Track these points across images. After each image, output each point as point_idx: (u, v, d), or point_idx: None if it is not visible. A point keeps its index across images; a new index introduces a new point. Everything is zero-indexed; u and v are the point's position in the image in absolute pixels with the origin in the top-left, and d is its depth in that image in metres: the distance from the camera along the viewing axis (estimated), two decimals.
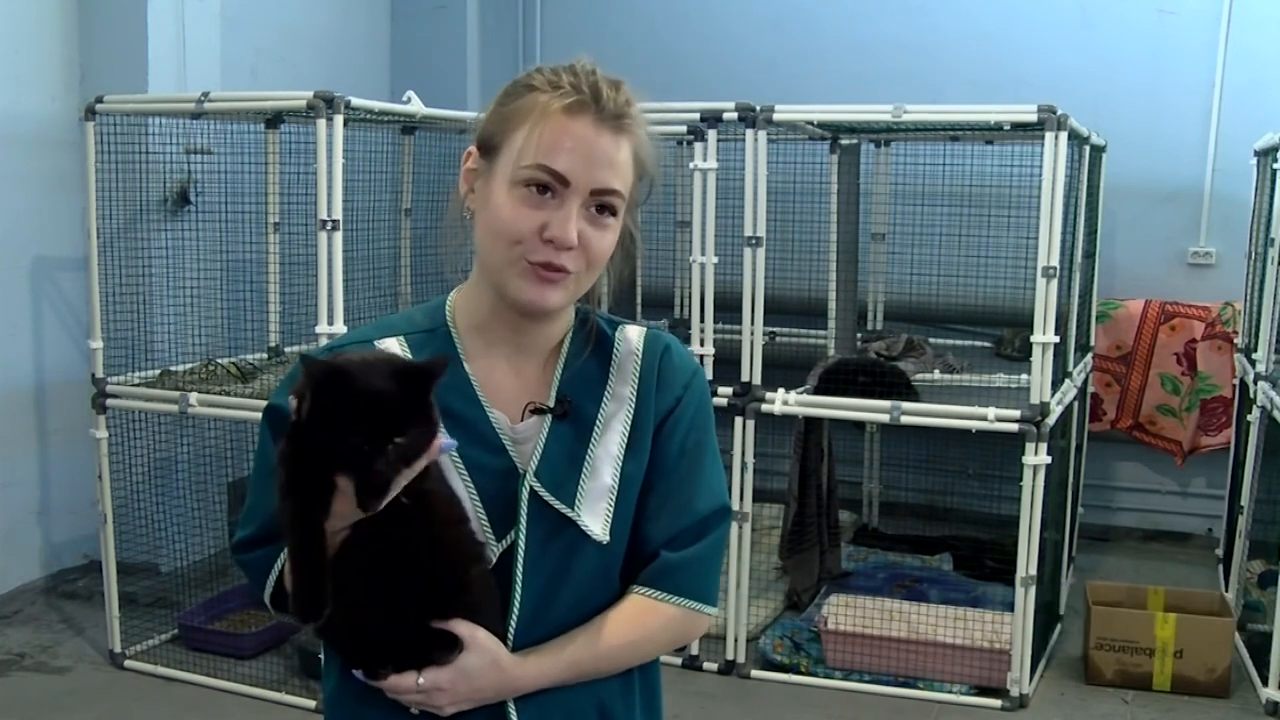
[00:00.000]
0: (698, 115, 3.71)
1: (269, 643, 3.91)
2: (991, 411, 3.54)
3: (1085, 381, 4.70)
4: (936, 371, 4.33)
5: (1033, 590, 3.59)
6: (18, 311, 4.31)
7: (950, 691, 3.73)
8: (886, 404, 3.70)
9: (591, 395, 1.40)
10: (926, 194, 4.92)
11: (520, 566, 1.34)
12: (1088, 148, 4.11)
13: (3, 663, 3.87)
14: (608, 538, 1.36)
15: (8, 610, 4.25)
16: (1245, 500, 4.26)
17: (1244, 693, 3.78)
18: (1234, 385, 4.89)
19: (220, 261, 4.32)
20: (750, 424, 3.77)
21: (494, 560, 1.33)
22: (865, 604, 3.90)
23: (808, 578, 4.33)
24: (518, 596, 1.34)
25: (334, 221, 3.34)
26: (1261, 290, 4.18)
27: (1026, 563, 3.57)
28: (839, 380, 3.86)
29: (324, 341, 3.02)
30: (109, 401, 3.75)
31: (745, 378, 3.80)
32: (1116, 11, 5.17)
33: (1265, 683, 3.65)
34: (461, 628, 1.29)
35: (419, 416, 1.19)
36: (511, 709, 1.35)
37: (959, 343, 4.99)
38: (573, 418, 1.38)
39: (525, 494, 1.34)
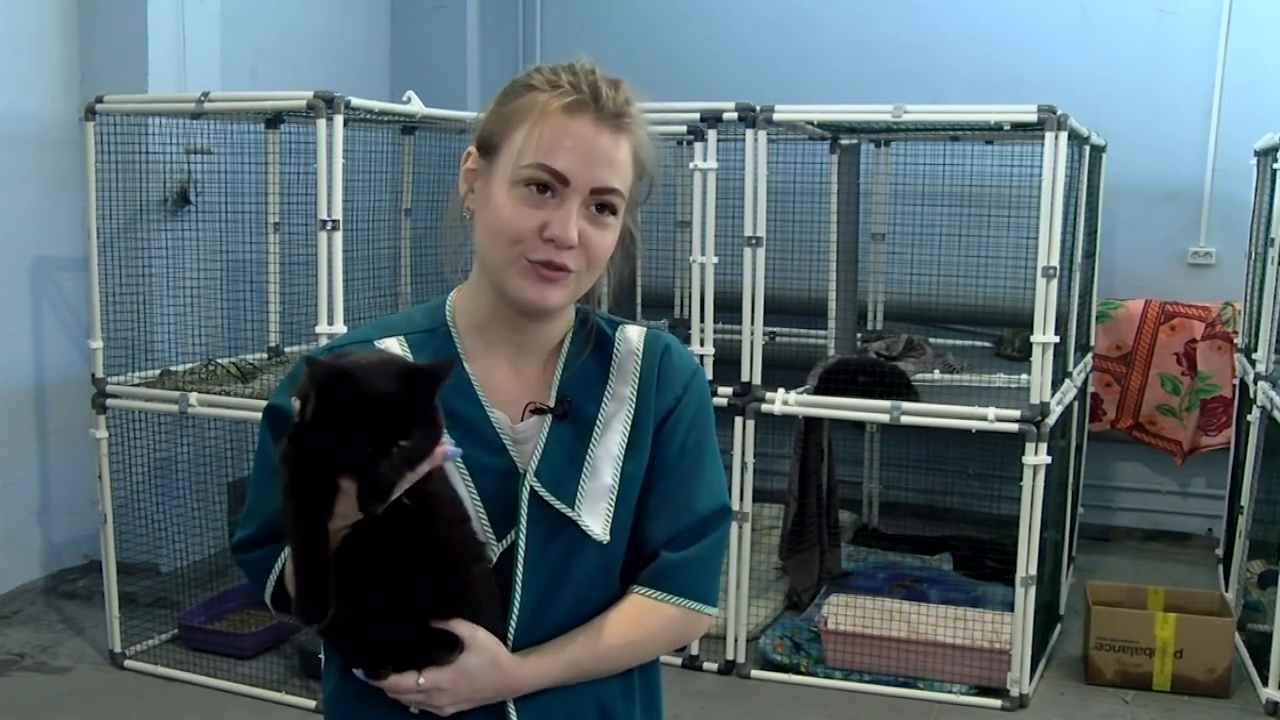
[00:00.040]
0: (698, 115, 3.71)
1: (269, 643, 3.91)
2: (991, 411, 3.54)
3: (1085, 381, 4.70)
4: (936, 371, 4.33)
5: (1033, 590, 3.59)
6: (18, 311, 4.31)
7: (950, 691, 3.73)
8: (886, 404, 3.70)
9: (592, 395, 1.40)
10: (926, 194, 4.92)
11: (520, 566, 1.34)
12: (1088, 148, 4.11)
13: (3, 663, 3.87)
14: (608, 538, 1.36)
15: (8, 610, 4.25)
16: (1245, 500, 4.26)
17: (1244, 693, 3.78)
18: (1234, 385, 4.89)
19: (220, 261, 4.32)
20: (750, 424, 3.77)
21: (494, 560, 1.33)
22: (865, 604, 3.90)
23: (808, 578, 4.33)
24: (518, 596, 1.34)
25: (334, 221, 3.34)
26: (1261, 290, 4.18)
27: (1026, 563, 3.57)
28: (839, 380, 3.86)
29: (324, 341, 3.02)
30: (109, 401, 3.75)
31: (745, 378, 3.80)
32: (1116, 11, 5.17)
33: (1265, 683, 3.65)
34: (462, 628, 1.29)
35: (423, 419, 1.19)
36: (511, 709, 1.35)
37: (959, 343, 4.99)
38: (573, 418, 1.38)
39: (525, 494, 1.34)
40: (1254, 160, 4.56)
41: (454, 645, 1.28)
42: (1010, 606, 3.66)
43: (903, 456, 5.18)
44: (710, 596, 1.41)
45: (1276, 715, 3.61)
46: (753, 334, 3.79)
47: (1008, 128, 3.95)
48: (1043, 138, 3.47)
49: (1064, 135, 3.44)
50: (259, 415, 1.40)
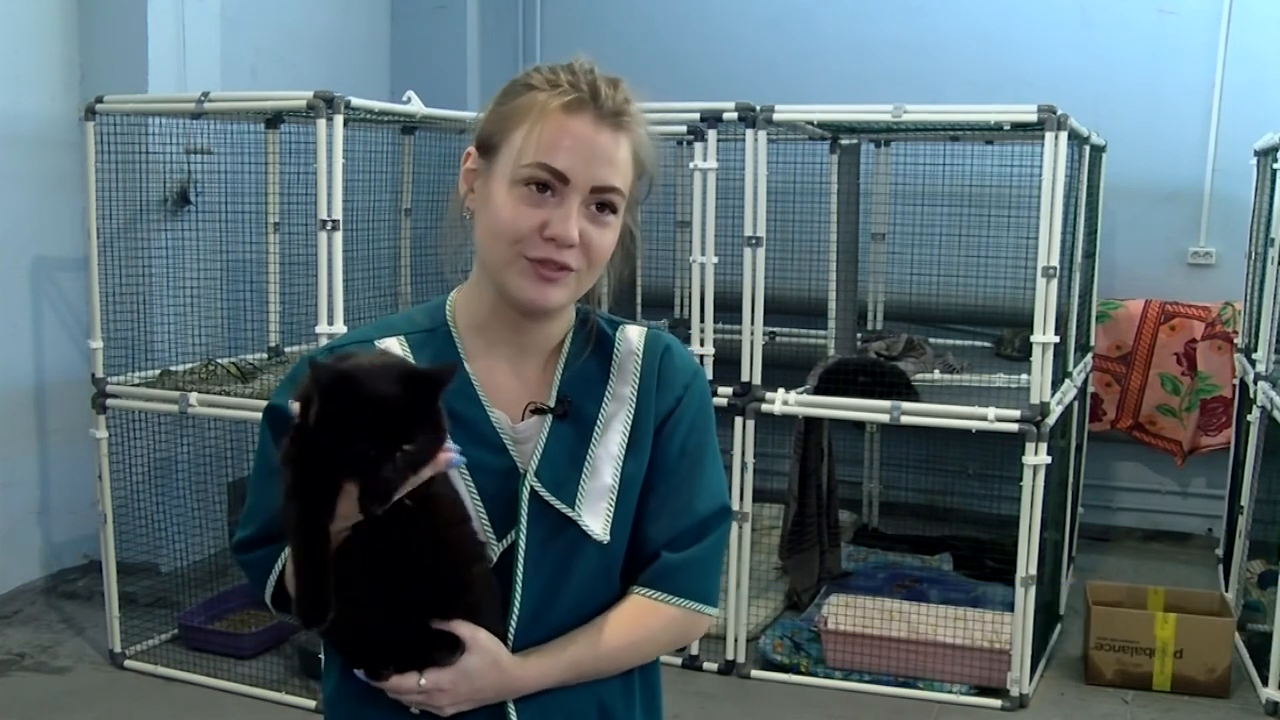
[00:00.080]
0: (698, 115, 3.71)
1: (269, 643, 3.91)
2: (991, 411, 3.54)
3: (1085, 381, 4.70)
4: (936, 371, 4.33)
5: (1033, 590, 3.59)
6: (18, 311, 4.31)
7: (950, 691, 3.73)
8: (886, 404, 3.70)
9: (592, 395, 1.40)
10: (926, 194, 4.92)
11: (521, 566, 1.34)
12: (1088, 148, 4.11)
13: (3, 663, 3.87)
14: (608, 538, 1.36)
15: (8, 610, 4.25)
16: (1245, 500, 4.26)
17: (1244, 693, 3.78)
18: (1234, 385, 4.89)
19: (220, 261, 4.32)
20: (750, 424, 3.77)
21: (494, 560, 1.33)
22: (865, 604, 3.90)
23: (808, 578, 4.33)
24: (518, 596, 1.34)
25: (334, 221, 3.34)
26: (1261, 290, 4.18)
27: (1026, 563, 3.57)
28: (839, 380, 3.86)
29: (324, 341, 3.02)
30: (109, 401, 3.75)
31: (745, 378, 3.80)
32: (1116, 11, 5.17)
33: (1265, 683, 3.65)
34: (463, 628, 1.29)
35: (426, 423, 1.19)
36: (511, 709, 1.35)
37: (959, 343, 4.99)
38: (573, 418, 1.38)
39: (526, 494, 1.34)
40: (1254, 160, 4.56)
41: (455, 646, 1.28)
42: (1010, 606, 3.66)
43: (903, 456, 5.18)
44: (711, 597, 1.41)
45: (1276, 715, 3.61)
46: (753, 334, 3.79)
47: (1008, 128, 3.95)
48: (1043, 138, 3.47)
49: (1064, 135, 3.44)
50: (259, 415, 1.40)
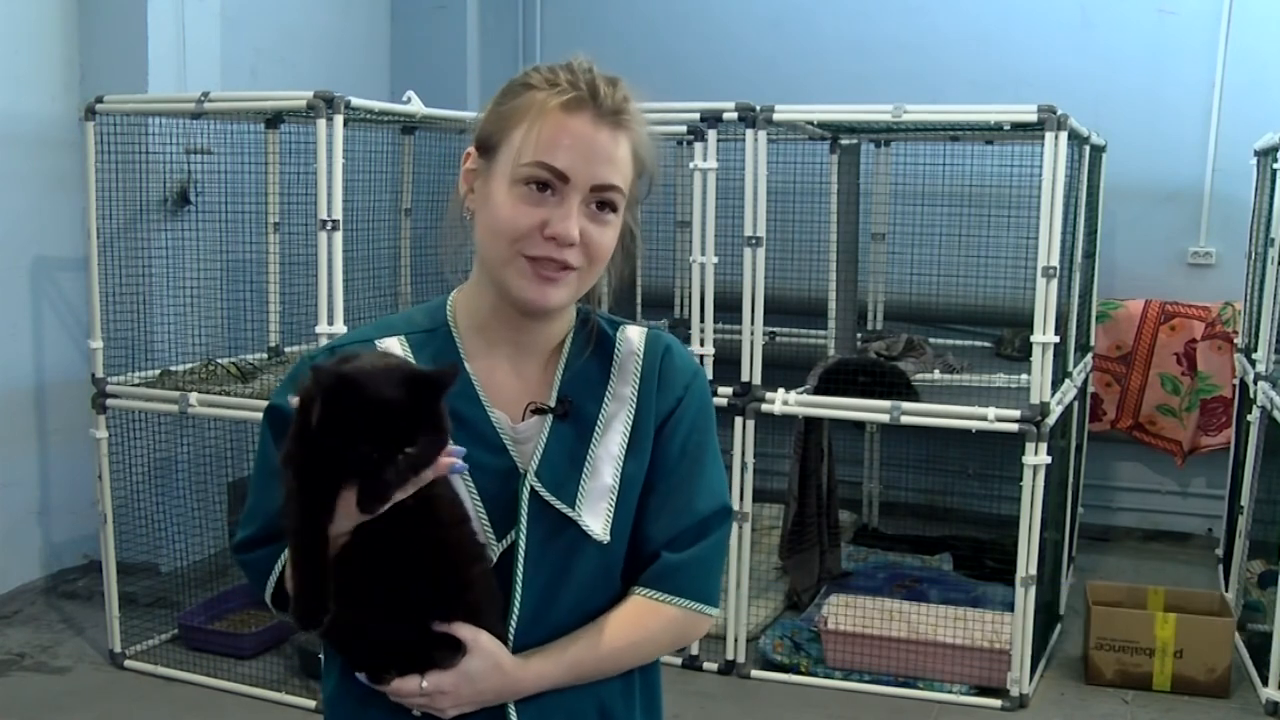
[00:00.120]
0: (698, 115, 3.71)
1: (269, 643, 3.91)
2: (991, 411, 3.54)
3: (1085, 381, 4.70)
4: (936, 371, 4.33)
5: (1033, 590, 3.59)
6: (18, 311, 4.31)
7: (950, 691, 3.73)
8: (886, 404, 3.70)
9: (592, 395, 1.40)
10: (926, 194, 4.92)
11: (521, 566, 1.34)
12: (1088, 148, 4.11)
13: (3, 663, 3.87)
14: (608, 538, 1.36)
15: (8, 610, 4.25)
16: (1245, 500, 4.26)
17: (1244, 693, 3.78)
18: (1234, 385, 4.89)
19: (220, 261, 4.32)
20: (750, 424, 3.77)
21: (494, 560, 1.33)
22: (865, 604, 3.90)
23: (808, 578, 4.33)
24: (518, 596, 1.34)
25: (334, 221, 3.34)
26: (1261, 290, 4.18)
27: (1026, 563, 3.57)
28: (839, 380, 3.86)
29: (324, 341, 3.02)
30: (109, 401, 3.75)
31: (745, 378, 3.80)
32: (1116, 11, 5.17)
33: (1265, 683, 3.65)
34: (464, 631, 1.29)
35: (429, 426, 1.19)
36: (512, 710, 1.34)
37: (959, 343, 4.99)
38: (574, 418, 1.38)
39: (526, 494, 1.34)
40: (1254, 160, 4.56)
41: (456, 648, 1.28)
42: (1010, 606, 3.66)
43: (903, 456, 5.18)
44: (711, 597, 1.41)
45: (1276, 715, 3.61)
46: (753, 334, 3.79)
47: (1008, 128, 3.95)
48: (1043, 138, 3.47)
49: (1064, 135, 3.44)
50: (259, 415, 1.40)
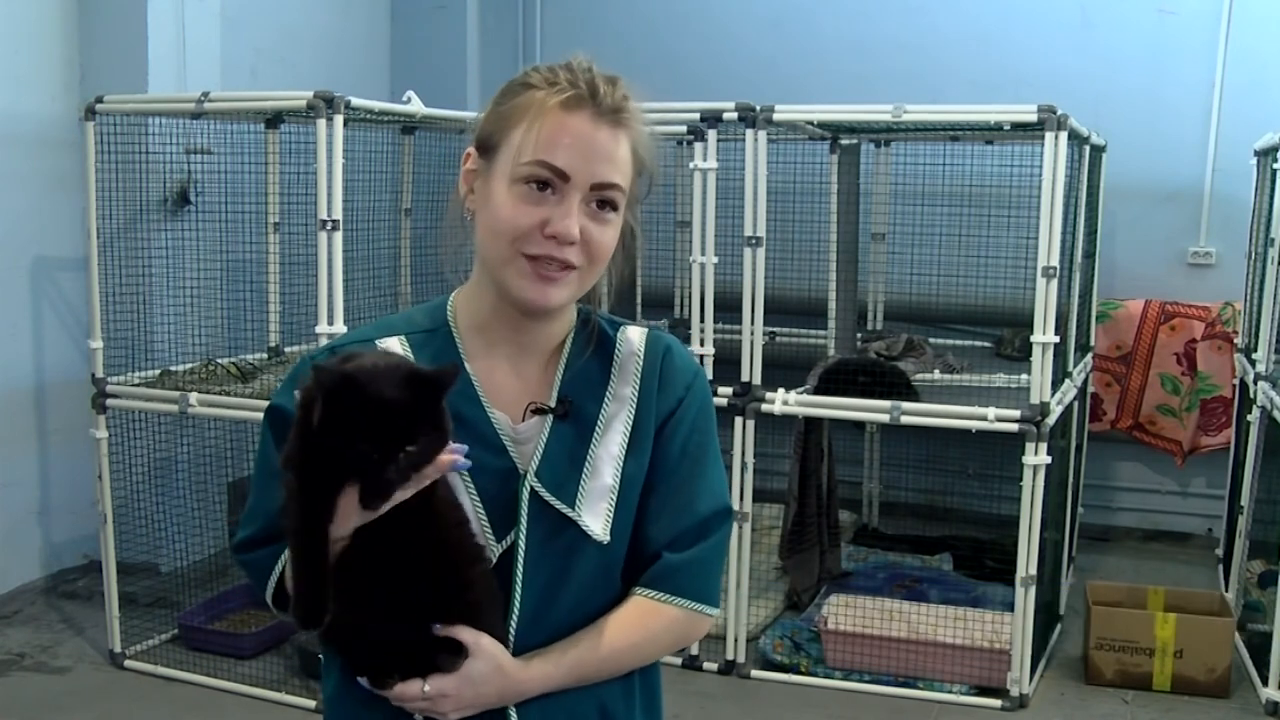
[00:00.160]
0: (698, 115, 3.71)
1: (269, 643, 3.91)
2: (991, 411, 3.54)
3: (1085, 381, 4.70)
4: (936, 371, 4.33)
5: (1033, 590, 3.59)
6: (18, 311, 4.31)
7: (950, 691, 3.73)
8: (886, 404, 3.70)
9: (593, 395, 1.40)
10: (926, 194, 4.92)
11: (521, 567, 1.34)
12: (1088, 148, 4.11)
13: (3, 663, 3.87)
14: (608, 538, 1.36)
15: (8, 610, 4.25)
16: (1245, 500, 4.26)
17: (1244, 693, 3.78)
18: (1234, 385, 4.89)
19: (220, 261, 4.32)
20: (750, 424, 3.77)
21: (494, 561, 1.33)
22: (865, 604, 3.90)
23: (808, 578, 4.33)
24: (518, 597, 1.34)
25: (334, 221, 3.34)
26: (1261, 290, 4.18)
27: (1026, 563, 3.57)
28: (839, 380, 3.86)
29: (324, 341, 3.02)
30: (109, 401, 3.75)
31: (745, 378, 3.80)
32: (1116, 11, 5.17)
33: (1265, 683, 3.65)
34: (465, 634, 1.29)
35: (429, 424, 1.19)
36: (513, 712, 1.34)
37: (959, 343, 4.99)
38: (574, 418, 1.38)
39: (526, 494, 1.34)
40: (1254, 160, 4.56)
41: (458, 651, 1.28)
42: (1010, 606, 3.66)
43: (903, 456, 5.18)
44: (712, 597, 1.41)
45: (1276, 715, 3.61)
46: (753, 334, 3.79)
47: (1008, 128, 3.95)
48: (1043, 138, 3.47)
49: (1064, 135, 3.44)
50: (259, 415, 1.40)
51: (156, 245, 4.17)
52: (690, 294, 3.91)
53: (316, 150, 3.34)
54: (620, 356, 1.42)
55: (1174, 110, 5.11)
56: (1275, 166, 4.21)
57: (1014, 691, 3.64)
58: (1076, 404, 4.33)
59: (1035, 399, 3.52)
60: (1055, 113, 3.44)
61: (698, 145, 3.71)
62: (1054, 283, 3.47)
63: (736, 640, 3.88)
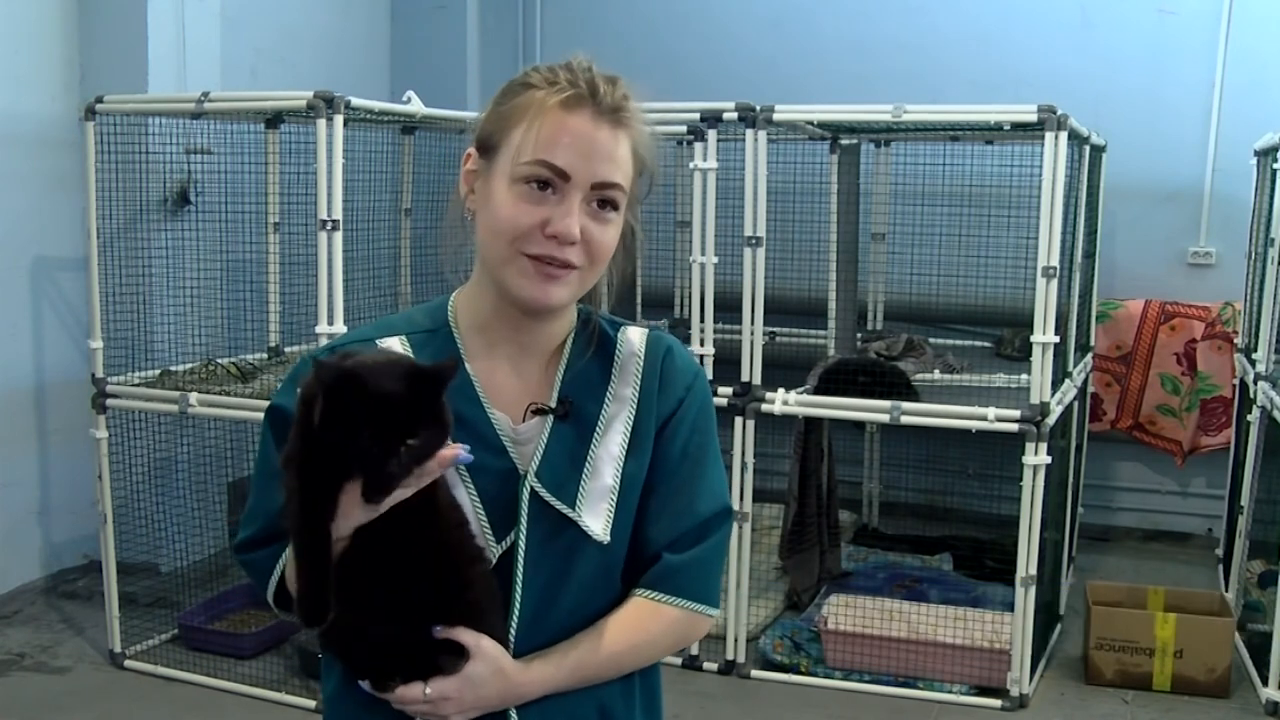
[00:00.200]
0: (698, 115, 3.71)
1: (269, 643, 3.91)
2: (991, 411, 3.54)
3: (1085, 381, 4.70)
4: (936, 371, 4.33)
5: (1033, 590, 3.59)
6: (18, 311, 4.31)
7: (950, 691, 3.73)
8: (886, 404, 3.70)
9: (593, 396, 1.40)
10: (926, 194, 4.92)
11: (521, 567, 1.34)
12: (1088, 148, 4.11)
13: (3, 663, 3.87)
14: (608, 538, 1.36)
15: (8, 610, 4.25)
16: (1245, 500, 4.26)
17: (1244, 693, 3.78)
18: (1234, 385, 4.89)
19: (220, 261, 4.32)
20: (750, 424, 3.77)
21: (494, 561, 1.33)
22: (865, 604, 3.90)
23: (808, 578, 4.33)
24: (518, 597, 1.34)
25: (334, 221, 3.34)
26: (1261, 290, 4.18)
27: (1026, 563, 3.57)
28: (839, 380, 3.86)
29: (324, 341, 3.02)
30: (109, 401, 3.75)
31: (745, 378, 3.80)
32: (1116, 11, 5.17)
33: (1265, 683, 3.65)
34: (466, 636, 1.29)
35: (430, 419, 1.19)
36: (514, 714, 1.34)
37: (959, 343, 4.99)
38: (574, 418, 1.38)
39: (526, 494, 1.34)
40: (1254, 160, 4.56)
41: (459, 654, 1.28)
42: (1010, 606, 3.66)
43: (903, 456, 5.18)
44: (712, 598, 1.41)
45: (1276, 715, 3.61)
46: (753, 334, 3.79)
47: (1008, 128, 3.95)
48: (1043, 138, 3.47)
49: (1064, 135, 3.44)
50: (259, 415, 1.40)
51: (156, 245, 4.17)
52: (690, 294, 3.91)
53: (316, 150, 3.34)
54: (621, 357, 1.42)
55: (1174, 110, 5.11)
56: (1275, 166, 4.21)
57: (1014, 691, 3.64)
58: (1076, 404, 4.33)
59: (1035, 399, 3.52)
60: (1055, 113, 3.44)
61: (698, 145, 3.71)
62: (1054, 283, 3.47)
63: (736, 640, 3.88)
